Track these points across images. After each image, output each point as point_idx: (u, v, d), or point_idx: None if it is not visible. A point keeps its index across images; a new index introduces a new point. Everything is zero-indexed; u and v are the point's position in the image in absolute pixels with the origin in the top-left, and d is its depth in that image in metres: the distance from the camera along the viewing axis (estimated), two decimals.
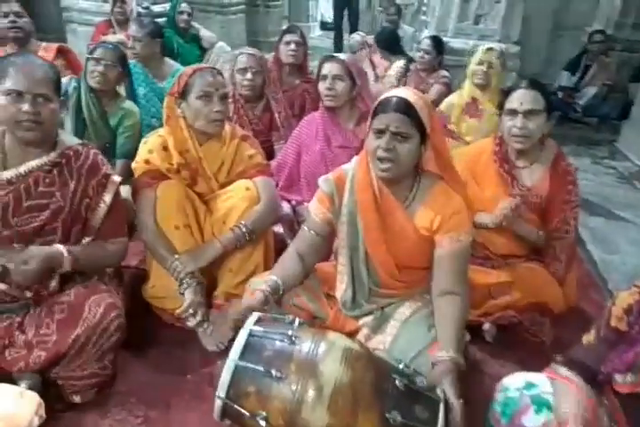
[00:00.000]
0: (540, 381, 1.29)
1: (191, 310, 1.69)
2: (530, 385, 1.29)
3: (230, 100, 2.60)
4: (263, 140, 2.63)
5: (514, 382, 1.32)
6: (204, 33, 4.43)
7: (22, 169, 1.50)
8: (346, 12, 7.33)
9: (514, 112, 1.89)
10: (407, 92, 1.49)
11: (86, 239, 1.60)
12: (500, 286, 1.87)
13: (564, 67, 5.37)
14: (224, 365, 1.24)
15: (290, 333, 1.28)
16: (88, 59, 2.46)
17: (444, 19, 4.13)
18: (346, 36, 7.14)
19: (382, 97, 1.51)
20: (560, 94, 5.01)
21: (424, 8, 6.73)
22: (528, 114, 1.87)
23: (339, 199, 1.61)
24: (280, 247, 2.09)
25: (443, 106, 3.03)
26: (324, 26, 9.77)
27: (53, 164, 1.53)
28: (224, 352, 1.71)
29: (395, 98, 1.47)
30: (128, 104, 2.58)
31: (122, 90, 2.67)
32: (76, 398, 1.50)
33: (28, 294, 1.52)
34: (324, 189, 1.63)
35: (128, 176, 2.08)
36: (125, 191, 1.90)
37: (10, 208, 1.49)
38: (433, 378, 1.31)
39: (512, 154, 1.99)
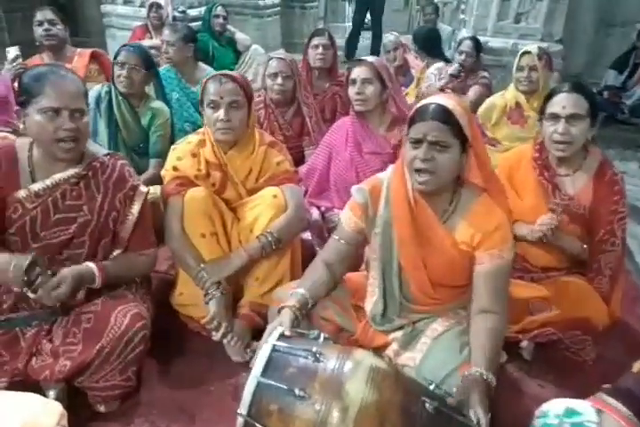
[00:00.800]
0: (584, 409, 1.19)
1: (215, 322, 1.67)
2: (572, 413, 1.19)
3: (261, 105, 2.60)
4: (294, 145, 2.61)
5: (554, 409, 1.22)
6: (239, 36, 4.44)
7: (49, 182, 1.51)
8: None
9: (556, 117, 1.79)
10: (445, 99, 1.42)
11: (116, 252, 1.60)
12: (539, 301, 1.78)
13: (611, 65, 5.12)
14: (245, 377, 1.20)
15: (314, 349, 1.24)
16: (114, 63, 2.49)
17: (482, 17, 4.00)
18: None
19: (419, 104, 1.44)
20: (606, 94, 4.78)
21: (463, 6, 6.58)
22: (570, 119, 1.77)
23: (373, 210, 1.55)
24: (309, 254, 2.06)
25: (482, 108, 2.91)
26: None
27: (80, 176, 1.53)
28: (249, 363, 1.69)
29: (432, 105, 1.39)
30: (157, 104, 2.59)
31: (151, 91, 2.68)
32: (101, 408, 1.50)
33: (57, 304, 1.52)
34: (357, 198, 1.57)
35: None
36: (153, 191, 1.90)
37: (38, 221, 1.51)
38: (460, 392, 1.24)
39: (553, 161, 1.88)
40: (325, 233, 2.23)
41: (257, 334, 1.80)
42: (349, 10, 9.09)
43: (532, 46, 2.78)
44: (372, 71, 2.15)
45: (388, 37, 4.56)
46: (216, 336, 1.67)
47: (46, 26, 2.89)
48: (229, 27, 4.43)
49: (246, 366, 1.68)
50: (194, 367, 1.72)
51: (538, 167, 1.90)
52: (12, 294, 1.54)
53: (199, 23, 4.44)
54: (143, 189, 1.63)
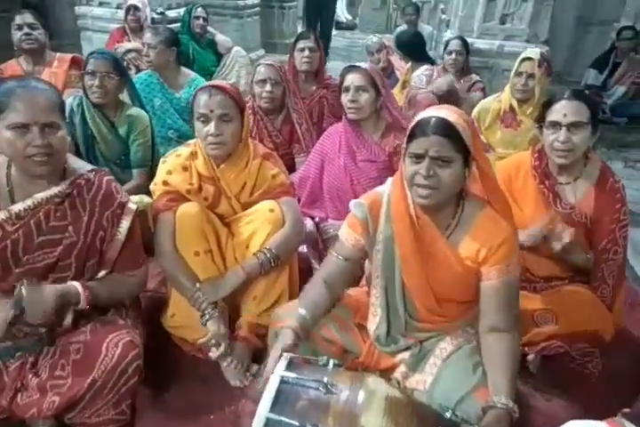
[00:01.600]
0: None
1: (214, 342, 1.59)
2: None
3: (249, 112, 2.51)
4: (284, 152, 2.54)
5: None
6: (220, 38, 4.33)
7: (30, 202, 1.40)
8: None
9: (556, 124, 1.75)
10: (446, 111, 1.35)
11: (102, 272, 1.51)
12: (544, 312, 1.74)
13: (591, 64, 5.17)
14: (247, 404, 1.13)
15: (325, 379, 1.17)
16: (83, 74, 2.33)
17: (468, 19, 3.97)
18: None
19: (419, 117, 1.37)
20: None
21: (442, 6, 6.57)
22: (572, 127, 1.73)
23: (373, 226, 1.48)
24: (304, 267, 2.00)
25: (476, 110, 2.87)
26: (338, 25, 9.67)
27: (64, 195, 1.43)
28: (247, 388, 1.62)
29: (433, 118, 1.33)
30: (134, 110, 2.44)
31: (125, 98, 2.53)
32: None
33: (42, 330, 1.42)
34: (356, 214, 1.51)
35: (146, 186, 2.01)
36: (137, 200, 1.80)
37: (20, 245, 1.40)
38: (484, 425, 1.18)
39: (553, 169, 1.85)
40: (320, 244, 2.16)
41: (255, 355, 1.73)
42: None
43: (534, 52, 2.72)
44: (366, 78, 2.09)
45: (372, 39, 4.50)
46: (214, 353, 1.59)
47: (26, 30, 2.76)
48: (210, 28, 4.32)
49: (245, 391, 1.62)
50: (190, 394, 1.63)
51: (538, 175, 1.86)
52: None
53: (178, 25, 4.31)
54: (132, 206, 1.53)
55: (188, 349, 1.77)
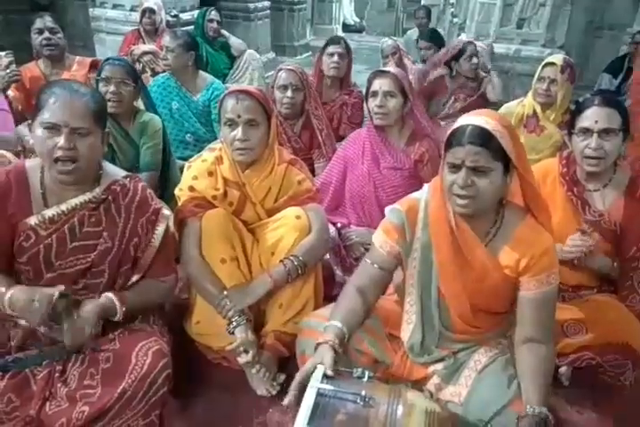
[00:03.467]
0: None
1: (241, 349, 1.57)
2: None
3: None
4: (303, 158, 2.49)
5: None
6: (234, 41, 4.31)
7: (64, 207, 1.40)
8: None
9: (587, 131, 1.72)
10: (484, 118, 1.31)
11: (135, 277, 1.50)
12: (573, 322, 1.71)
13: (605, 69, 5.13)
14: (274, 415, 1.10)
15: (363, 393, 1.14)
16: (97, 80, 2.30)
17: (484, 23, 3.95)
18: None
19: (456, 125, 1.34)
20: None
21: (452, 9, 6.55)
22: (603, 133, 1.70)
23: (410, 232, 1.46)
24: (325, 274, 1.96)
25: (501, 112, 2.83)
26: (346, 28, 9.69)
27: (99, 201, 1.42)
28: (275, 397, 1.60)
29: (470, 127, 1.30)
30: (147, 116, 2.41)
31: (139, 104, 2.52)
32: None
33: (59, 337, 1.40)
34: (392, 219, 1.48)
35: (153, 189, 1.95)
36: None
37: (53, 250, 1.39)
38: None
39: (582, 176, 1.82)
40: (342, 251, 2.14)
41: (281, 364, 1.71)
42: (337, 12, 9.05)
43: (558, 57, 2.70)
44: (394, 83, 2.07)
45: (386, 42, 4.48)
46: (243, 358, 1.57)
47: (47, 34, 2.75)
48: (223, 31, 4.31)
49: (273, 400, 1.60)
50: (217, 404, 1.60)
51: (566, 183, 1.83)
52: (19, 331, 1.42)
53: (191, 27, 4.31)
54: (166, 212, 1.52)
55: (212, 357, 1.75)
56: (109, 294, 1.41)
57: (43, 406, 1.32)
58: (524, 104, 2.78)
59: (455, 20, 5.55)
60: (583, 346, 1.68)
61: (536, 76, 2.68)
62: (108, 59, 2.41)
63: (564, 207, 1.82)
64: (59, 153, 1.33)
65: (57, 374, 1.37)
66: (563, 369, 1.72)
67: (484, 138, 1.28)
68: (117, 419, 1.31)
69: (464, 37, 4.19)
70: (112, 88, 2.25)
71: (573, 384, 1.74)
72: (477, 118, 1.32)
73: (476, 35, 3.95)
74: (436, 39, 3.95)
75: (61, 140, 1.32)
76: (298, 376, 1.26)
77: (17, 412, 1.31)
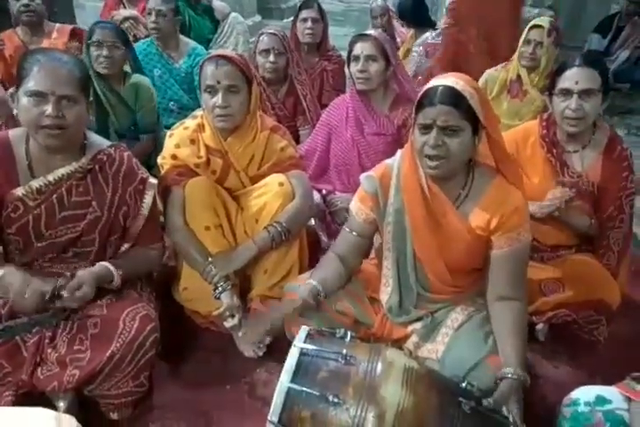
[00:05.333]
0: (614, 396, 1.20)
1: (228, 313, 1.62)
2: (602, 400, 1.20)
3: None
4: (288, 125, 2.49)
5: (584, 397, 1.23)
6: (217, 3, 4.16)
7: (51, 177, 1.40)
8: None
9: (568, 92, 1.72)
10: (453, 79, 1.34)
11: (125, 246, 1.53)
12: (551, 281, 1.76)
13: (594, 29, 5.05)
14: (261, 374, 1.16)
15: (344, 351, 1.19)
16: (88, 44, 2.30)
17: None
18: None
19: (426, 87, 1.36)
20: None
21: None
22: (583, 94, 1.70)
23: (383, 198, 1.48)
24: (312, 240, 2.00)
25: (482, 80, 2.79)
26: None
27: (86, 170, 1.43)
28: (262, 359, 1.65)
29: (440, 87, 1.32)
30: (136, 78, 2.44)
31: (127, 67, 2.50)
32: (114, 415, 1.43)
33: (58, 304, 1.43)
34: (366, 187, 1.51)
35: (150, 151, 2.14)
36: None
37: (42, 220, 1.41)
38: (499, 398, 1.21)
39: (561, 137, 1.83)
40: (327, 217, 2.16)
41: None
42: None
43: (544, 19, 2.64)
44: (376, 48, 2.04)
45: (376, 1, 4.36)
46: (229, 323, 1.62)
47: (25, 1, 2.69)
48: None
49: (260, 361, 1.65)
50: (205, 366, 1.66)
51: (546, 144, 1.85)
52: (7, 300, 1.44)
53: None
54: (153, 181, 1.55)
55: (200, 321, 1.79)
56: (103, 263, 1.44)
57: (34, 371, 1.37)
58: (508, 69, 2.74)
59: None
60: (560, 303, 1.74)
61: (522, 38, 2.63)
62: (97, 22, 2.42)
63: (543, 169, 1.84)
64: (46, 121, 1.32)
65: (47, 341, 1.41)
66: (540, 326, 1.78)
67: (454, 98, 1.30)
68: (107, 381, 1.36)
69: None
70: (105, 52, 2.26)
71: (549, 340, 1.80)
72: (447, 80, 1.34)
73: None
74: (415, 14, 3.80)
75: (49, 108, 1.31)
76: (273, 312, 1.40)
77: (9, 377, 1.35)
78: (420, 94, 1.37)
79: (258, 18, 6.27)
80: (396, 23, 4.51)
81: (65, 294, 1.35)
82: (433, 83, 1.36)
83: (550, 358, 1.76)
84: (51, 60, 1.35)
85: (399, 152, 1.52)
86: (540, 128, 1.87)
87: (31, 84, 1.32)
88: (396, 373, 1.16)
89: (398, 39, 4.18)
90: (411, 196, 1.44)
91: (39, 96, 1.32)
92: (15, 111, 1.39)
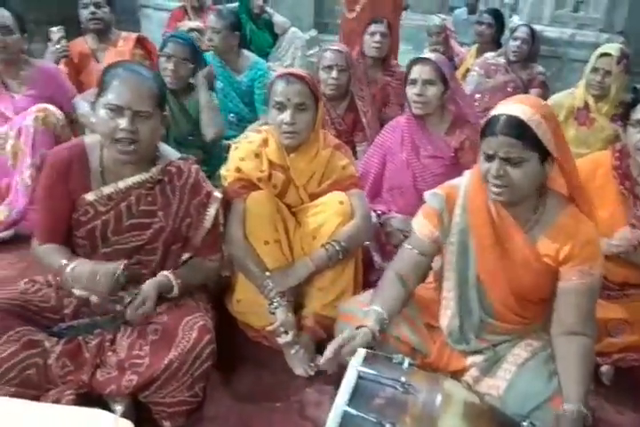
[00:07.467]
0: None
1: (282, 329, 1.61)
2: None
3: None
4: (346, 140, 2.49)
5: None
6: (278, 18, 4.26)
7: (122, 185, 1.46)
8: None
9: None
10: (520, 106, 1.28)
11: (185, 256, 1.57)
12: (618, 322, 1.69)
13: None
14: (311, 394, 1.14)
15: (403, 379, 1.16)
16: (160, 55, 2.39)
17: (538, 5, 3.79)
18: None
19: (490, 115, 1.32)
20: None
21: None
22: None
23: (448, 217, 1.46)
24: (364, 260, 1.97)
25: (549, 104, 2.74)
26: None
27: (155, 181, 1.48)
28: (312, 378, 1.64)
29: (504, 116, 1.28)
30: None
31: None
32: (166, 424, 1.43)
33: (119, 308, 1.47)
34: (432, 204, 1.48)
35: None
36: None
37: (110, 226, 1.46)
38: None
39: (634, 170, 1.77)
40: (383, 237, 2.14)
41: (319, 347, 1.74)
42: None
43: (613, 47, 2.57)
44: (434, 71, 2.02)
45: (433, 20, 4.35)
46: (283, 339, 1.60)
47: (92, 8, 2.80)
48: (268, 9, 4.27)
49: (309, 380, 1.64)
50: (255, 380, 1.65)
51: (618, 176, 1.79)
52: (73, 300, 1.49)
53: (236, 4, 4.28)
54: (217, 194, 1.58)
55: (252, 335, 1.79)
56: (165, 272, 1.48)
57: (94, 372, 1.40)
58: (575, 96, 2.67)
59: (506, 0, 5.33)
60: (627, 346, 1.66)
61: (589, 66, 2.56)
62: (172, 35, 2.50)
63: (614, 202, 1.78)
64: (120, 134, 1.37)
65: (107, 343, 1.45)
66: (605, 368, 1.70)
67: (517, 129, 1.26)
68: (163, 389, 1.38)
69: (516, 20, 4.04)
70: (171, 66, 2.33)
71: (614, 384, 1.70)
72: (514, 107, 1.30)
73: (529, 17, 3.79)
74: (497, 19, 3.80)
75: (124, 123, 1.36)
76: (334, 343, 1.32)
77: (70, 376, 1.39)
78: (484, 121, 1.34)
79: (314, 32, 6.36)
80: (454, 42, 4.50)
81: (129, 311, 1.40)
82: (498, 109, 1.32)
83: (614, 402, 1.66)
84: (131, 74, 1.40)
85: (467, 172, 1.50)
86: (612, 159, 1.81)
87: (110, 96, 1.37)
88: (456, 406, 1.13)
89: (456, 58, 4.16)
90: (477, 216, 1.41)
91: (116, 110, 1.37)
92: (92, 119, 1.44)
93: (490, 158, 1.30)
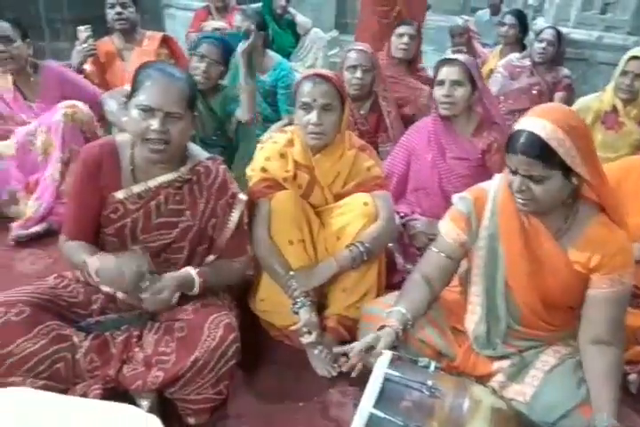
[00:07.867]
0: None
1: (305, 329, 1.61)
2: None
3: None
4: (369, 141, 2.47)
5: None
6: (300, 19, 4.27)
7: (152, 184, 1.48)
8: None
9: None
10: (542, 122, 1.24)
11: (211, 257, 1.57)
12: None
13: None
14: (334, 395, 1.14)
15: (429, 383, 1.16)
16: (192, 54, 2.41)
17: (564, 7, 3.74)
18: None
19: (515, 128, 1.30)
20: None
21: None
22: None
23: (476, 221, 1.45)
24: (389, 262, 1.97)
25: (575, 108, 2.68)
26: None
27: (184, 180, 1.49)
28: (334, 378, 1.64)
29: (525, 134, 1.25)
30: (227, 90, 2.52)
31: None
32: (191, 420, 1.45)
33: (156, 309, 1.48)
34: (460, 208, 1.47)
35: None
36: None
37: (140, 224, 1.47)
38: None
39: None
40: (406, 240, 2.13)
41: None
42: None
43: None
44: (462, 72, 2.01)
45: (456, 21, 4.32)
46: (306, 339, 1.60)
47: (118, 9, 2.83)
48: (290, 9, 4.28)
49: (332, 381, 1.64)
50: (280, 380, 1.65)
51: None
52: (100, 296, 1.51)
53: (259, 5, 4.30)
54: (242, 196, 1.58)
55: (275, 334, 1.80)
56: (188, 268, 1.48)
57: (121, 368, 1.41)
58: (603, 99, 2.63)
59: (530, 1, 5.26)
60: None
61: (619, 69, 2.53)
62: (207, 36, 2.52)
63: None
64: (152, 135, 1.39)
65: (134, 339, 1.46)
66: (632, 377, 1.66)
67: (537, 148, 1.24)
68: (189, 386, 1.38)
69: (541, 22, 3.99)
70: (203, 66, 2.36)
71: None
72: (536, 122, 1.26)
73: (555, 19, 3.74)
74: (521, 20, 3.78)
75: (155, 124, 1.38)
76: (359, 345, 1.31)
77: (98, 371, 1.40)
78: (509, 134, 1.32)
79: (335, 33, 6.36)
80: (477, 43, 4.47)
81: (143, 296, 1.39)
82: (521, 124, 1.29)
83: None
84: (163, 75, 1.42)
85: (496, 176, 1.49)
86: None
87: (142, 97, 1.39)
88: (484, 411, 1.13)
89: (478, 60, 4.13)
90: (507, 222, 1.40)
91: (148, 110, 1.39)
92: (124, 119, 1.46)
93: (513, 173, 1.30)
